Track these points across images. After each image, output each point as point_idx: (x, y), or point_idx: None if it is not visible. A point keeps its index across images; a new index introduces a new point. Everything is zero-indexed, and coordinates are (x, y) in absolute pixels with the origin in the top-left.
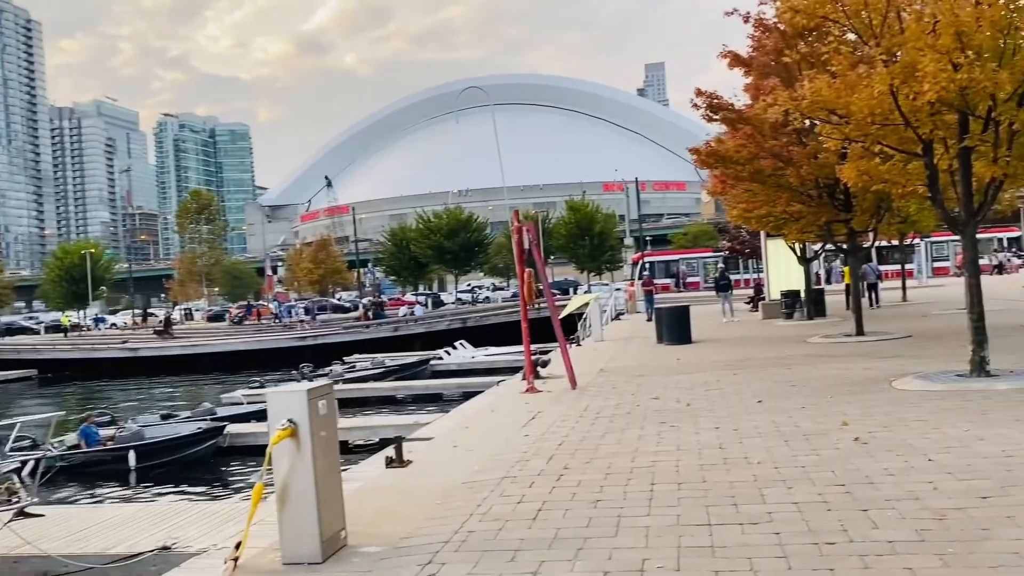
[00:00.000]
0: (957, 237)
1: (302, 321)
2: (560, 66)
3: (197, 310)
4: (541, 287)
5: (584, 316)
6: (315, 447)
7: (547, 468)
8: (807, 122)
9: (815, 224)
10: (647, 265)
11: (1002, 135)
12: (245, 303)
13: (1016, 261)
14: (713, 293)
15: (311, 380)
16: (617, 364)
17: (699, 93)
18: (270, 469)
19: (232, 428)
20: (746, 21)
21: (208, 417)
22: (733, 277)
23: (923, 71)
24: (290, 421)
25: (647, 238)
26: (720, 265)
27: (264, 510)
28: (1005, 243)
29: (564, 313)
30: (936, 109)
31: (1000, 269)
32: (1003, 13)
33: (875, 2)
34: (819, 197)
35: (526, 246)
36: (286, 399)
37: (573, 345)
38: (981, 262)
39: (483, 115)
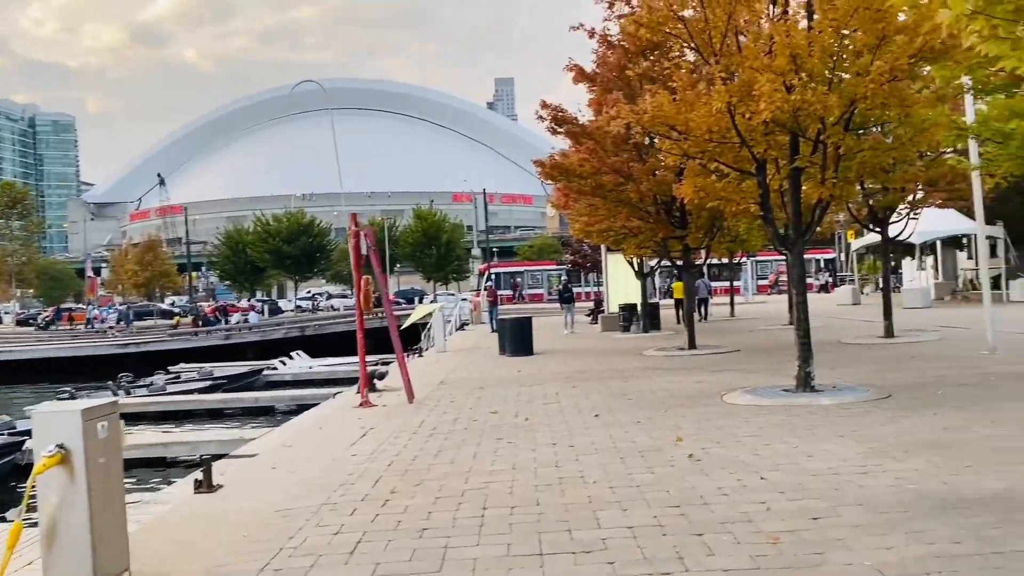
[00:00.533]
0: (782, 257)
1: (111, 328)
2: (413, 75)
3: (7, 312)
4: (380, 295)
5: (428, 326)
6: (91, 477)
7: (372, 492)
8: (648, 139)
9: (653, 240)
10: (492, 276)
11: (829, 157)
12: (55, 306)
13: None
14: (556, 305)
15: (128, 392)
16: (458, 376)
17: (544, 105)
18: (33, 501)
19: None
20: (591, 36)
21: (6, 432)
22: (575, 290)
23: (759, 91)
24: (60, 447)
25: (494, 249)
26: (564, 278)
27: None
28: (822, 264)
29: (407, 323)
30: (770, 129)
31: (826, 288)
32: (832, 41)
33: (715, 21)
34: (657, 214)
35: (364, 252)
36: (55, 421)
37: (415, 356)
38: (809, 281)
39: (324, 118)
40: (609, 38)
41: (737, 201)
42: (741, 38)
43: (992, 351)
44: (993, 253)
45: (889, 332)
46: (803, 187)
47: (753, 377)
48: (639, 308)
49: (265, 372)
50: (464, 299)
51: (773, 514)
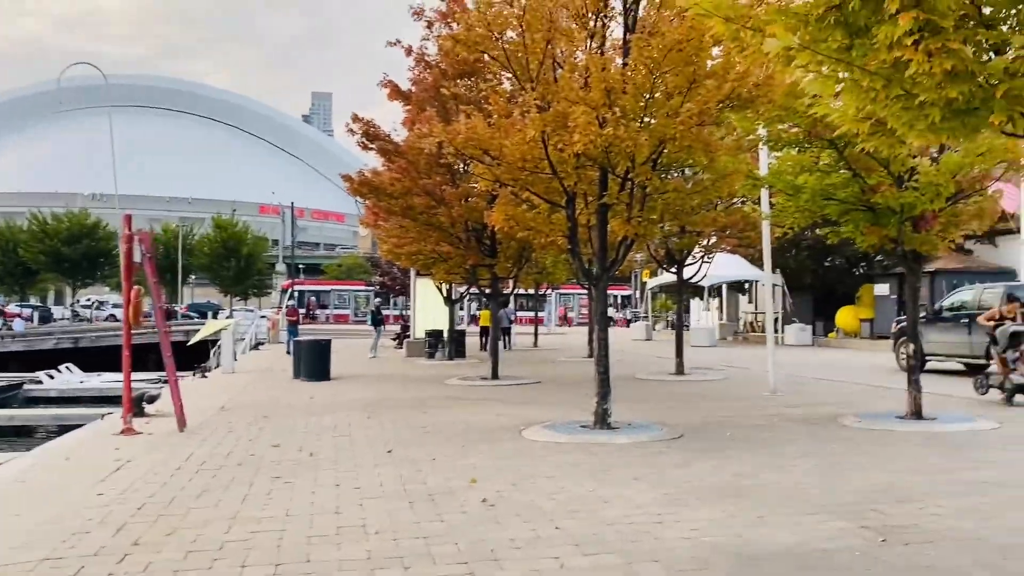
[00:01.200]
0: (584, 291)
1: None
2: (225, 80)
3: None
4: (164, 307)
5: (218, 344)
6: None
7: (111, 543)
8: (462, 164)
9: (462, 266)
10: (295, 294)
11: (636, 196)
12: None
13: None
14: (361, 326)
15: None
16: (243, 401)
17: (356, 119)
18: None
19: None
20: (408, 54)
21: None
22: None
23: (575, 122)
24: None
25: (300, 266)
26: (377, 300)
27: None
28: (619, 300)
29: (196, 339)
30: (581, 163)
31: (630, 323)
32: (645, 80)
33: (534, 47)
34: (467, 240)
35: (137, 259)
36: None
37: (198, 376)
38: (618, 316)
39: (128, 115)
40: (427, 57)
41: (546, 233)
42: (558, 68)
43: (773, 392)
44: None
45: (680, 369)
46: (610, 223)
47: (553, 411)
48: (445, 335)
49: (27, 386)
50: (263, 316)
51: (567, 573)
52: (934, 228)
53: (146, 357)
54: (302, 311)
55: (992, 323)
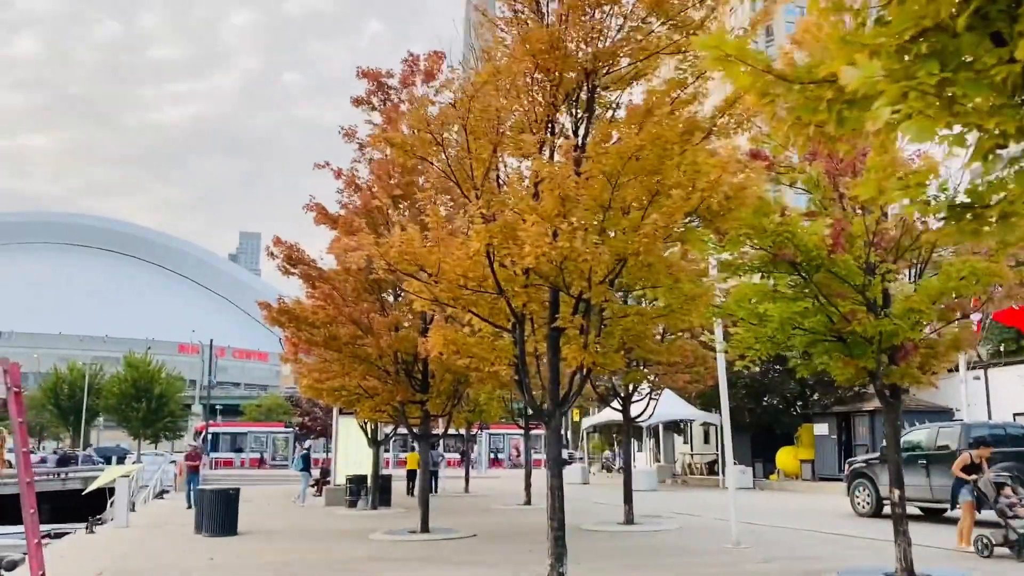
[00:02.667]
0: (518, 430)
1: None
2: (153, 219)
3: None
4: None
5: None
6: None
7: None
8: (391, 292)
9: (390, 403)
10: (208, 436)
11: (593, 320)
12: None
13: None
14: (278, 471)
15: None
16: (127, 565)
17: (278, 242)
18: None
19: None
20: (338, 176)
21: None
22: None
23: (525, 232)
24: None
25: (218, 407)
26: (308, 444)
27: None
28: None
29: (93, 487)
30: (532, 280)
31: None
32: (602, 191)
33: (479, 151)
34: (396, 374)
35: (1, 395)
36: None
37: (87, 531)
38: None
39: (43, 252)
40: (357, 180)
41: (491, 361)
42: (504, 178)
43: (736, 544)
44: (706, 439)
45: (630, 518)
46: (563, 351)
47: (493, 572)
48: (369, 480)
49: None
50: (173, 461)
51: None
52: (914, 360)
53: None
54: (209, 456)
55: (972, 477)
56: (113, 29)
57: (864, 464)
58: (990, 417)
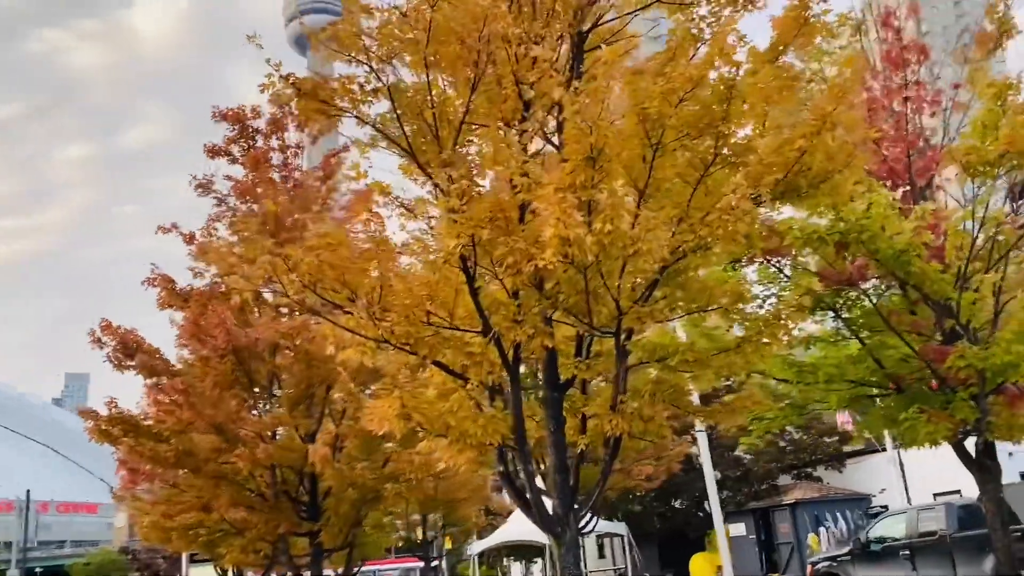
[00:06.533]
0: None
1: None
2: None
3: None
4: None
5: None
6: None
7: None
8: (267, 390)
9: (267, 538)
10: None
11: (619, 364)
12: None
13: None
14: None
15: None
16: None
17: (107, 328)
18: None
19: None
20: (189, 242)
21: None
22: None
23: (546, 203)
24: None
25: (38, 569)
26: None
27: None
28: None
29: None
30: (539, 303)
31: None
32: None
33: (447, 99)
34: (276, 497)
35: None
36: None
37: None
38: None
39: None
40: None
41: (477, 435)
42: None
43: None
44: (601, 554)
45: None
46: (568, 422)
47: None
48: None
49: None
50: None
51: None
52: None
53: None
54: None
55: None
56: None
57: (832, 562)
58: (909, 501)
